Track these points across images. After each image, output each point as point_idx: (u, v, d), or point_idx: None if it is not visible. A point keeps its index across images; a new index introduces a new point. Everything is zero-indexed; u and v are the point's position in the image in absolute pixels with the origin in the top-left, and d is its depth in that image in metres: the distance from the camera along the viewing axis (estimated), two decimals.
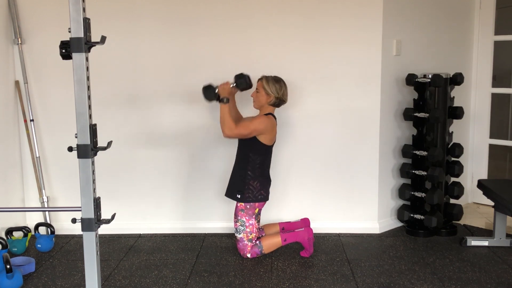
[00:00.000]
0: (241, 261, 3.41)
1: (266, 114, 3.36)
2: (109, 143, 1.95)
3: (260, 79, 3.39)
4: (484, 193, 3.63)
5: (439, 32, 4.16)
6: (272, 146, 3.44)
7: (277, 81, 3.36)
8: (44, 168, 3.93)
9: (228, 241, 3.79)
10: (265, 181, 3.44)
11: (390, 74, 3.88)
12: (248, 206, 3.39)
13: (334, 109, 3.85)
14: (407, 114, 3.89)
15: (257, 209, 3.43)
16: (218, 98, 3.33)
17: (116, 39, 3.75)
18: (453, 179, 4.10)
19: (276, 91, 3.34)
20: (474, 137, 4.53)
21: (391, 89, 3.92)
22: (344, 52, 3.78)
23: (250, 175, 3.37)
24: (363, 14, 3.73)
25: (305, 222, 3.78)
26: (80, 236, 3.74)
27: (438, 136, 3.82)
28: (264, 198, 3.44)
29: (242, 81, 3.29)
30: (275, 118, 3.41)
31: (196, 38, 3.78)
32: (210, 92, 3.33)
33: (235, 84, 3.32)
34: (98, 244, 1.98)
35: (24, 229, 3.63)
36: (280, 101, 3.39)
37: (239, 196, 3.39)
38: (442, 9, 4.16)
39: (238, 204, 3.42)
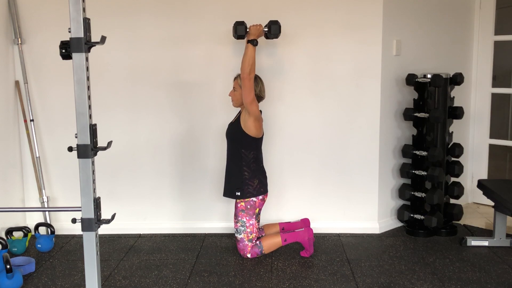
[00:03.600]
0: (241, 261, 3.41)
1: None
2: (109, 143, 1.95)
3: (236, 78, 3.39)
4: (484, 193, 3.63)
5: (439, 32, 4.16)
6: (261, 139, 3.44)
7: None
8: (44, 168, 3.93)
9: (228, 241, 3.79)
10: (262, 176, 3.44)
11: (390, 74, 3.88)
12: (248, 206, 3.39)
13: (334, 109, 3.85)
14: (407, 114, 3.89)
15: (258, 209, 3.43)
16: (246, 36, 3.33)
17: (116, 37, 3.75)
18: (453, 179, 4.10)
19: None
20: (474, 137, 4.53)
21: (391, 89, 3.92)
22: (344, 51, 3.78)
23: (247, 171, 3.36)
24: (363, 14, 3.73)
25: (305, 222, 3.78)
26: (80, 236, 3.74)
27: (438, 136, 3.82)
28: (264, 191, 3.44)
29: (276, 28, 3.28)
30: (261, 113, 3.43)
31: (196, 36, 3.78)
32: (241, 29, 3.31)
33: (267, 29, 3.31)
34: (98, 244, 1.97)
35: (24, 229, 3.63)
36: (258, 98, 3.38)
37: (238, 194, 3.38)
38: (442, 9, 4.16)
39: (239, 205, 3.41)
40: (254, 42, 3.22)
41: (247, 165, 3.37)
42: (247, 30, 3.32)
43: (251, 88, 3.19)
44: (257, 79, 3.36)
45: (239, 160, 3.38)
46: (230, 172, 3.45)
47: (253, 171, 3.38)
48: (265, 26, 3.34)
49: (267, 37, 3.41)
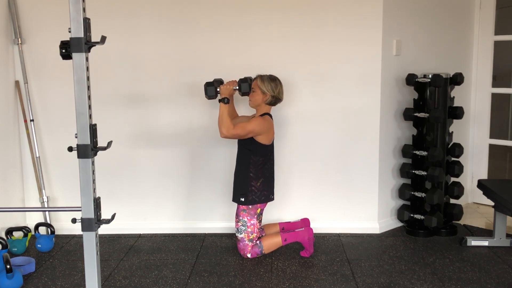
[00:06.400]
0: (241, 261, 3.41)
1: (263, 115, 3.36)
2: (109, 143, 1.94)
3: (255, 78, 3.39)
4: (484, 193, 3.63)
5: (439, 32, 4.16)
6: (271, 145, 3.44)
7: (273, 80, 3.36)
8: (44, 168, 3.93)
9: (228, 241, 3.79)
10: (268, 181, 3.43)
11: (390, 74, 3.88)
12: (250, 206, 3.39)
13: (334, 109, 3.85)
14: (407, 114, 3.89)
15: (259, 209, 3.43)
16: (217, 96, 3.34)
17: (116, 38, 3.75)
18: (453, 179, 4.10)
19: (271, 89, 3.34)
20: (474, 137, 4.53)
21: (391, 89, 3.92)
22: (344, 52, 3.78)
23: (252, 176, 3.36)
24: (363, 14, 3.73)
25: (305, 222, 3.78)
26: (80, 236, 3.74)
27: (438, 136, 3.82)
28: (267, 198, 3.43)
29: (246, 86, 3.31)
30: (272, 117, 3.42)
31: (196, 37, 3.78)
32: (211, 90, 3.35)
33: (237, 88, 3.33)
34: (98, 244, 1.97)
35: (24, 229, 3.63)
36: (276, 100, 3.39)
37: (243, 200, 3.38)
38: (442, 9, 4.16)
39: (240, 204, 3.41)
40: (224, 101, 3.25)
41: (254, 170, 3.37)
42: (218, 90, 3.34)
43: (239, 133, 3.24)
44: (276, 81, 3.36)
45: (247, 165, 3.37)
46: (237, 176, 3.45)
47: (259, 177, 3.38)
48: (237, 84, 3.35)
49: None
